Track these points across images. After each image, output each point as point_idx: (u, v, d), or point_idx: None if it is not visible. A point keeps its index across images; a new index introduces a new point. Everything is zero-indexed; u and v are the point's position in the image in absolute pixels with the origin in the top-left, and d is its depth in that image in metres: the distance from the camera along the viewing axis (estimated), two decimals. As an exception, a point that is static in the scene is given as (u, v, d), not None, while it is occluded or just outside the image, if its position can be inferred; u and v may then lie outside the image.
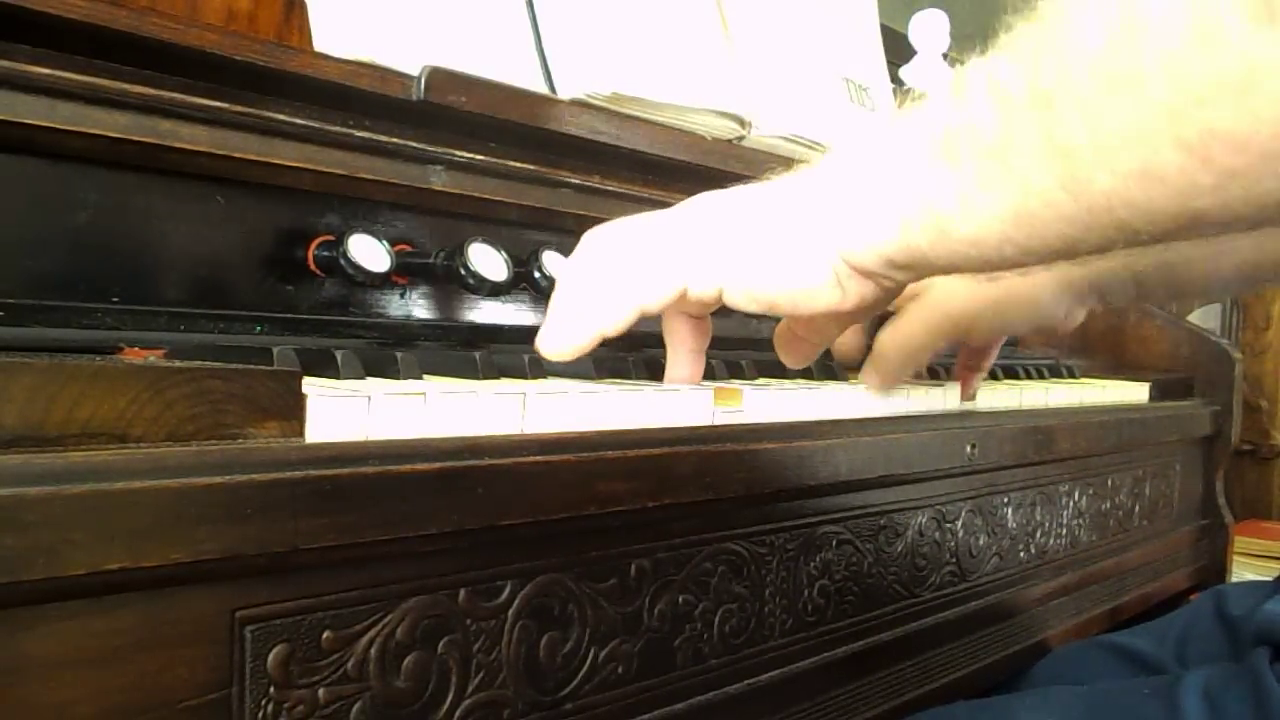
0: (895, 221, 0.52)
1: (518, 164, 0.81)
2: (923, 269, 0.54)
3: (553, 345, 0.58)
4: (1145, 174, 0.41)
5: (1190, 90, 0.39)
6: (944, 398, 0.86)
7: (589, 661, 0.58)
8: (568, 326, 0.59)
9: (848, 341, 0.86)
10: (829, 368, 0.85)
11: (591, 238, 0.62)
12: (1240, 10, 0.37)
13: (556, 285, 0.62)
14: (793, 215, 0.56)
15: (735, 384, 0.71)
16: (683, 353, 0.67)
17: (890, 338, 0.79)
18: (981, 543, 0.94)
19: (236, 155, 0.65)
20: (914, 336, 0.78)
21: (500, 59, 0.84)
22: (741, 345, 0.97)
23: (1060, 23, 0.44)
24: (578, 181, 0.86)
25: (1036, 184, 0.45)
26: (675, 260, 0.58)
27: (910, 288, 0.74)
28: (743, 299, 0.58)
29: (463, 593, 0.51)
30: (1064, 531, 1.09)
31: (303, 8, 0.74)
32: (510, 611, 0.54)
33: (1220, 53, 0.38)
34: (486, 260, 0.74)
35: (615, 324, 0.58)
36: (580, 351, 0.59)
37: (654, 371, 0.73)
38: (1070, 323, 0.88)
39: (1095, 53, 0.42)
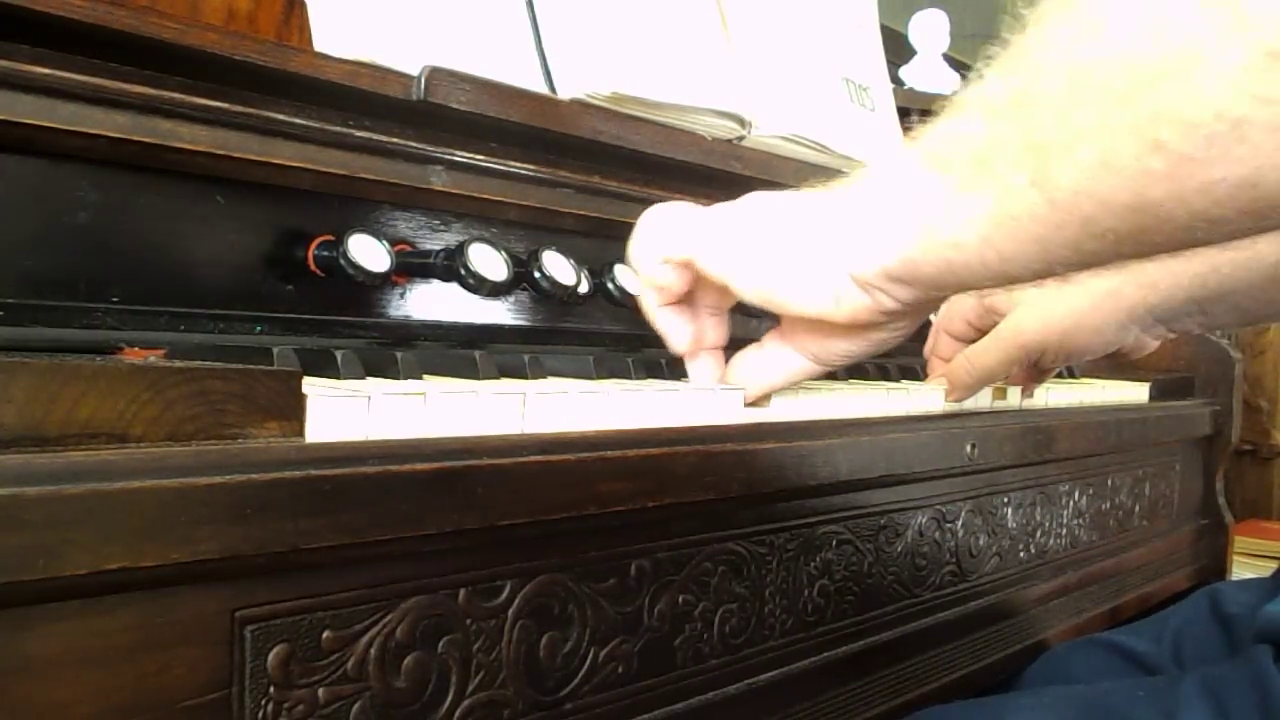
0: (891, 229, 0.56)
1: (518, 164, 0.81)
2: (915, 283, 0.57)
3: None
4: (1104, 164, 0.44)
5: (1141, 74, 0.42)
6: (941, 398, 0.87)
7: (589, 661, 0.58)
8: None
9: None
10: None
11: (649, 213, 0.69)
12: None
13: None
14: (806, 222, 0.60)
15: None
16: (704, 352, 0.70)
17: (968, 363, 0.88)
18: (981, 543, 0.94)
19: (236, 155, 0.65)
20: (989, 365, 0.87)
21: (500, 59, 0.84)
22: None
23: (1037, 29, 0.48)
24: (578, 181, 0.85)
25: (1013, 181, 0.48)
26: (690, 232, 0.64)
27: (990, 318, 0.89)
28: (750, 291, 0.62)
29: (462, 593, 0.51)
30: (1064, 531, 1.09)
31: (303, 8, 0.74)
32: (510, 611, 0.54)
33: (1167, 32, 0.41)
34: (486, 260, 0.74)
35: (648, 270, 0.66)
36: (666, 284, 0.67)
37: (654, 371, 0.73)
38: (1140, 350, 0.96)
39: (1064, 50, 0.46)
